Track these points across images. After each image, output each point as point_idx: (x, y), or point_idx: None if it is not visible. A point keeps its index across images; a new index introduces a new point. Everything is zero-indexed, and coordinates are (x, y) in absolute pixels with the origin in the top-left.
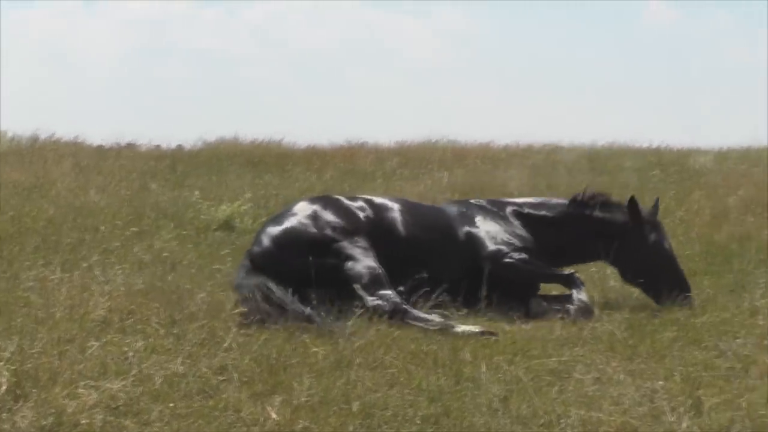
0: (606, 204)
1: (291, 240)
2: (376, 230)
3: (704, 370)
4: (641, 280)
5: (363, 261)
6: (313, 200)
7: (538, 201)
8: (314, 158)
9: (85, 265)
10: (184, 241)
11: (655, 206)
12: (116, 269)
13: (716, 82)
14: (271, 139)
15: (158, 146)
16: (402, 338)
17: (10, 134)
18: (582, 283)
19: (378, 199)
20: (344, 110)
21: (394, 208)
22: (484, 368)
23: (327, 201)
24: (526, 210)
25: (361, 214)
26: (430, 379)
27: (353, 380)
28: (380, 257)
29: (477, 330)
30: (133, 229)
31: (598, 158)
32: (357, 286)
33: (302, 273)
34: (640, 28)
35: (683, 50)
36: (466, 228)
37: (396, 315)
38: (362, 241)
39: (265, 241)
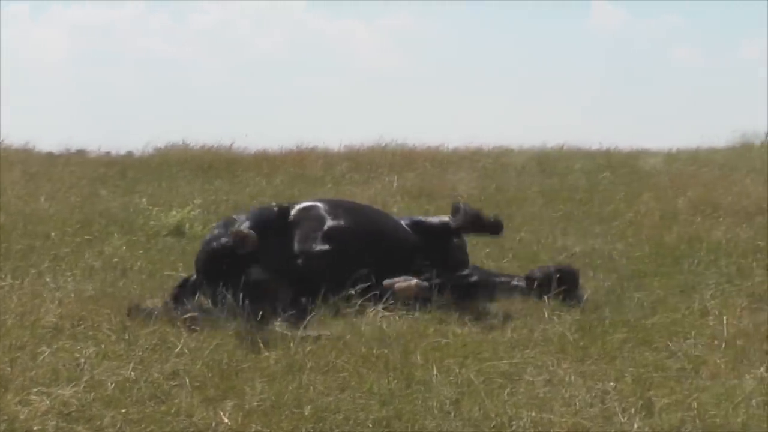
0: None
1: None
2: (295, 231)
3: (655, 371)
4: None
5: None
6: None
7: None
8: (264, 163)
9: (35, 271)
10: (134, 247)
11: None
12: (67, 276)
13: (665, 83)
14: (221, 144)
15: (108, 153)
16: (353, 342)
17: None
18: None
19: (303, 203)
20: (294, 115)
21: (319, 208)
22: (435, 371)
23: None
24: None
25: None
26: (381, 382)
27: (305, 384)
28: (306, 257)
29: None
30: (84, 236)
31: (547, 160)
32: None
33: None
34: (587, 28)
35: (631, 51)
36: (398, 221)
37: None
38: None
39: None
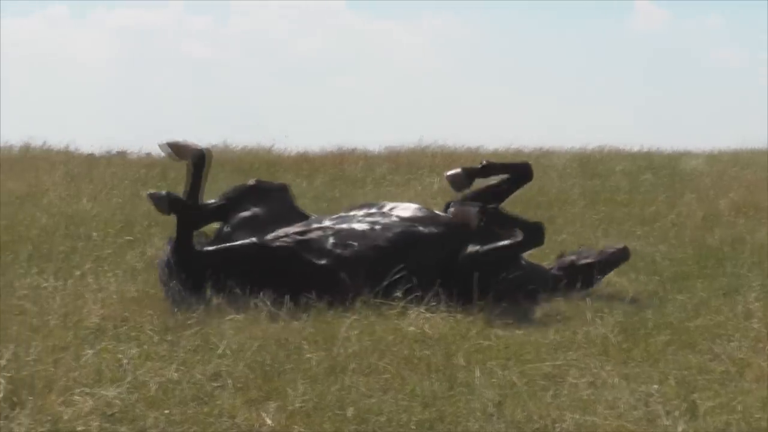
0: None
1: None
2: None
3: (699, 374)
4: None
5: None
6: None
7: None
8: (304, 164)
9: (78, 272)
10: None
11: None
12: (109, 277)
13: (707, 84)
14: (261, 146)
15: (149, 154)
16: (396, 344)
17: (0, 143)
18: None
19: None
20: (334, 116)
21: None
22: (477, 373)
23: None
24: None
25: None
26: (423, 384)
27: (347, 386)
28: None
29: None
30: (126, 236)
31: (588, 162)
32: None
33: None
34: (629, 29)
35: (673, 51)
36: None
37: None
38: None
39: None
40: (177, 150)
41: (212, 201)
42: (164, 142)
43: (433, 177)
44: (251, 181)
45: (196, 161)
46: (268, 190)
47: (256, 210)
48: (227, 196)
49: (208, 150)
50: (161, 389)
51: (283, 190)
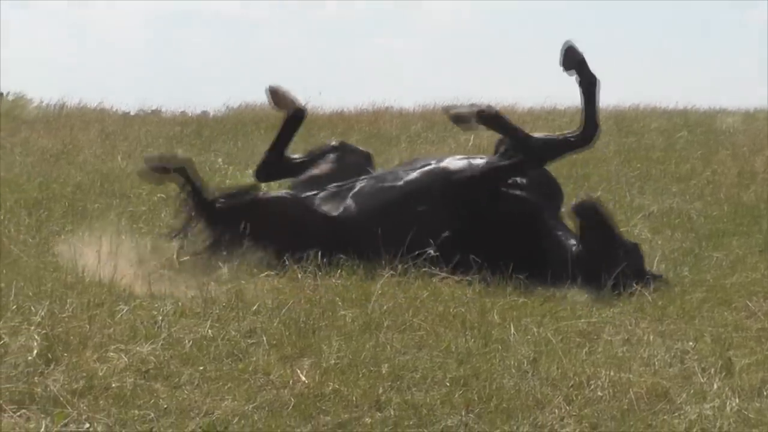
0: None
1: None
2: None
3: (734, 331)
4: None
5: None
6: None
7: None
8: (339, 122)
9: (112, 229)
10: None
11: None
12: (144, 234)
13: (745, 42)
14: None
15: (183, 112)
16: (430, 300)
17: (37, 101)
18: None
19: None
20: (369, 74)
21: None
22: (512, 330)
23: None
24: None
25: None
26: (458, 341)
27: (382, 343)
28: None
29: None
30: (160, 194)
31: (624, 120)
32: None
33: None
34: None
35: (711, 8)
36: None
37: None
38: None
39: None
40: (277, 98)
41: (296, 156)
42: (269, 87)
43: (467, 134)
44: (334, 142)
45: (292, 114)
46: (349, 153)
47: (327, 170)
48: (311, 153)
49: (305, 107)
50: (196, 346)
51: (366, 157)
